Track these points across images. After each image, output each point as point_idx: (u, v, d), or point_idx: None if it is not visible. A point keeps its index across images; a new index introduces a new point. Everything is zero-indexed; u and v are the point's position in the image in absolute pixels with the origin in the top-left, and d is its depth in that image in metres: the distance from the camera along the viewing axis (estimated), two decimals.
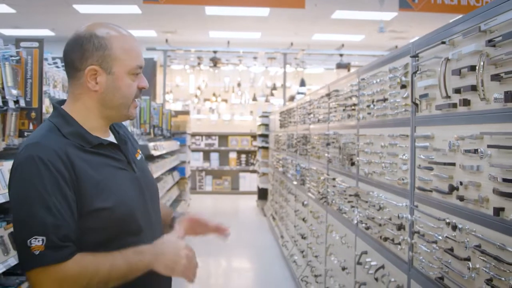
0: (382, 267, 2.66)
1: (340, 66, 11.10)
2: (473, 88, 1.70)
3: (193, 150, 12.89)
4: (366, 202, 2.88)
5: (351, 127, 3.36)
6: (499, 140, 1.58)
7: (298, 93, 11.67)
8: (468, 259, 1.72)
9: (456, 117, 1.88)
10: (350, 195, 3.24)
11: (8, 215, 2.78)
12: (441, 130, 2.01)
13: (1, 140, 2.76)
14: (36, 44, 3.00)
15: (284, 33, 11.16)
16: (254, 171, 12.99)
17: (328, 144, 4.04)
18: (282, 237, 6.96)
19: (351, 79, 3.44)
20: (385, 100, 2.68)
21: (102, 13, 9.48)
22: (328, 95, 4.16)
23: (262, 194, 10.46)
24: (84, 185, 1.51)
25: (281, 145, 7.58)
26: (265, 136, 10.39)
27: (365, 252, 2.94)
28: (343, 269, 3.42)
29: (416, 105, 2.25)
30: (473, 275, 1.68)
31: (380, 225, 2.66)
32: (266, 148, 10.27)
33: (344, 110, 3.53)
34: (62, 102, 1.69)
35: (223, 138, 13.61)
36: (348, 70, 10.71)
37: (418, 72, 2.21)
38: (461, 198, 1.79)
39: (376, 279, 2.69)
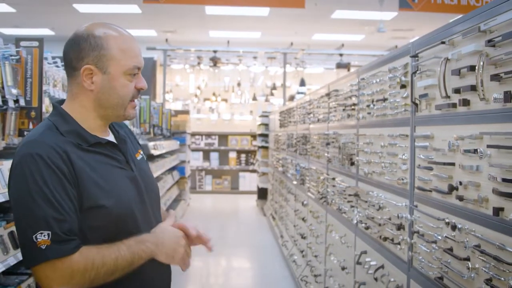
0: (382, 267, 2.66)
1: (340, 66, 11.10)
2: (473, 88, 1.70)
3: (193, 150, 12.89)
4: (366, 202, 2.88)
5: (351, 126, 3.36)
6: (499, 140, 1.58)
7: (298, 92, 11.66)
8: (467, 259, 1.72)
9: (456, 117, 1.88)
10: (350, 195, 3.24)
11: (7, 214, 2.78)
12: (441, 130, 2.01)
13: (1, 139, 2.76)
14: (36, 44, 3.00)
15: (284, 33, 11.16)
16: (254, 171, 12.99)
17: (328, 144, 4.04)
18: (282, 236, 6.96)
19: (351, 79, 3.44)
20: (384, 100, 2.68)
21: (102, 12, 9.48)
22: (328, 94, 4.16)
23: (262, 193, 10.47)
24: (82, 183, 1.52)
25: (281, 144, 7.58)
26: (265, 136, 10.39)
27: (365, 252, 2.95)
28: (343, 269, 3.43)
29: (416, 105, 2.25)
30: (472, 275, 1.68)
31: (379, 225, 2.66)
32: (266, 148, 10.27)
33: (344, 110, 3.53)
34: (62, 101, 1.70)
35: (223, 137, 13.61)
36: (348, 70, 10.71)
37: (417, 72, 2.21)
38: (460, 198, 1.79)
39: (376, 279, 2.69)
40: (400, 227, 2.39)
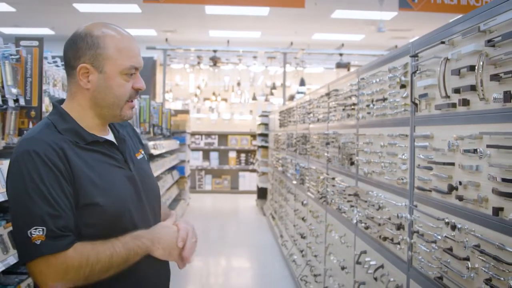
0: (381, 266, 2.66)
1: (339, 65, 11.10)
2: (473, 88, 1.70)
3: (193, 149, 12.89)
4: (366, 201, 2.88)
5: (351, 126, 3.36)
6: (498, 140, 1.58)
7: (298, 92, 11.65)
8: (467, 258, 1.72)
9: (456, 117, 1.88)
10: (350, 195, 3.24)
11: (7, 214, 2.78)
12: (441, 130, 2.01)
13: (1, 138, 2.76)
14: (36, 43, 3.00)
15: (284, 33, 11.16)
16: (253, 170, 12.99)
17: (327, 144, 4.04)
18: (282, 236, 6.96)
19: (351, 79, 3.44)
20: (384, 99, 2.68)
21: (102, 12, 9.48)
22: (327, 94, 4.17)
23: (262, 193, 10.47)
24: (78, 180, 1.53)
25: (281, 144, 7.58)
26: (264, 136, 10.39)
27: (365, 252, 2.95)
28: (342, 268, 3.43)
29: (416, 104, 2.25)
30: (472, 275, 1.68)
31: (379, 224, 2.66)
32: (265, 148, 10.28)
33: (343, 109, 3.53)
34: (62, 101, 1.72)
35: (223, 137, 13.61)
36: (348, 70, 10.71)
37: (417, 72, 2.21)
38: (460, 198, 1.79)
39: (375, 279, 2.69)
40: (399, 227, 2.39)
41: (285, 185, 6.90)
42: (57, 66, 3.83)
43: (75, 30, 1.64)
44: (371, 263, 2.80)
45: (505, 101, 1.53)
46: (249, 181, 13.17)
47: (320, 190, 4.31)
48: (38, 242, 1.43)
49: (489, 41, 1.63)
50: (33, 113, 2.98)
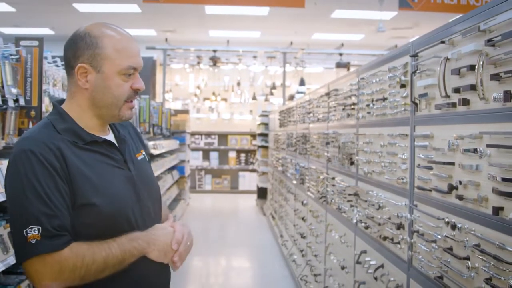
0: (382, 266, 2.66)
1: (339, 65, 11.10)
2: (473, 87, 1.70)
3: (193, 149, 12.89)
4: (366, 201, 2.88)
5: (351, 126, 3.36)
6: (498, 140, 1.58)
7: (298, 92, 11.66)
8: (467, 258, 1.72)
9: (456, 117, 1.88)
10: (350, 194, 3.24)
11: (7, 214, 2.78)
12: (441, 129, 2.01)
13: (1, 138, 2.76)
14: (36, 43, 3.00)
15: (283, 32, 11.16)
16: (253, 170, 12.99)
17: (327, 144, 4.04)
18: (282, 236, 6.96)
19: (351, 79, 3.44)
20: (384, 99, 2.68)
21: (102, 12, 9.48)
22: (327, 94, 4.17)
23: (262, 193, 10.47)
24: (75, 180, 1.53)
25: (281, 144, 7.58)
26: (264, 135, 10.39)
27: (365, 251, 2.95)
28: (343, 268, 3.43)
29: (416, 104, 2.25)
30: (472, 274, 1.68)
31: (379, 224, 2.66)
32: (265, 147, 10.28)
33: (343, 109, 3.53)
34: (62, 101, 1.72)
35: (223, 137, 13.61)
36: (348, 70, 10.71)
37: (417, 71, 2.21)
38: (460, 198, 1.79)
39: (376, 278, 2.69)
40: (399, 226, 2.39)
41: (285, 185, 6.90)
42: (57, 66, 3.83)
43: (76, 30, 1.65)
44: (371, 262, 2.80)
45: (505, 100, 1.53)
46: (249, 181, 13.17)
47: (320, 190, 4.31)
48: (34, 241, 1.43)
49: (489, 40, 1.63)
50: (33, 113, 2.98)
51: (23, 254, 1.46)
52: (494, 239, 1.58)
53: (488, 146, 1.63)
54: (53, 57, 3.85)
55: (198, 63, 12.29)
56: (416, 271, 2.20)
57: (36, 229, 1.44)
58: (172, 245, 1.63)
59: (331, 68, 12.35)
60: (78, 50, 1.60)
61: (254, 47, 11.72)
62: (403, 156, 2.39)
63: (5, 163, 2.54)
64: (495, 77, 1.58)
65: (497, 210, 1.57)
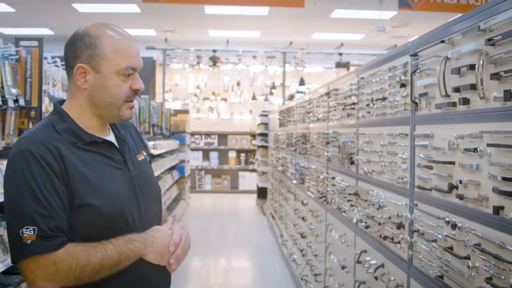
0: (382, 266, 2.66)
1: (339, 65, 11.11)
2: (473, 87, 1.70)
3: (193, 149, 12.89)
4: (366, 201, 2.88)
5: (351, 126, 3.36)
6: (499, 139, 1.58)
7: (298, 92, 11.67)
8: (468, 257, 1.72)
9: (456, 116, 1.88)
10: (350, 194, 3.24)
11: None
12: (441, 129, 2.01)
13: (1, 139, 2.76)
14: (35, 43, 3.00)
15: (283, 32, 11.16)
16: (253, 170, 12.99)
17: (327, 143, 4.04)
18: (282, 236, 6.96)
19: (351, 78, 3.44)
20: (384, 99, 2.68)
21: (101, 12, 9.48)
22: (327, 94, 4.17)
23: (262, 193, 10.47)
24: (74, 180, 1.53)
25: (281, 144, 7.58)
26: (264, 135, 10.39)
27: (365, 251, 2.95)
28: (343, 268, 3.43)
29: (416, 104, 2.25)
30: (472, 274, 1.68)
31: (379, 224, 2.66)
32: (265, 147, 10.28)
33: (343, 109, 3.53)
34: (63, 101, 1.72)
35: (223, 137, 13.61)
36: (348, 69, 10.71)
37: (417, 71, 2.21)
38: (460, 197, 1.79)
39: (376, 278, 2.69)
40: (400, 226, 2.39)
41: (285, 184, 6.90)
42: (57, 66, 3.83)
43: (76, 30, 1.65)
44: (372, 262, 2.80)
45: (505, 99, 1.53)
46: (249, 180, 13.17)
47: (320, 190, 4.31)
48: (29, 241, 1.43)
49: (489, 40, 1.63)
50: (33, 113, 2.98)
51: (18, 254, 1.46)
52: (494, 238, 1.58)
53: (488, 145, 1.63)
54: (52, 57, 3.85)
55: (198, 63, 12.29)
56: (416, 271, 2.20)
57: (32, 229, 1.44)
58: (169, 247, 1.63)
59: (331, 67, 12.35)
60: (77, 50, 1.60)
61: (254, 47, 11.72)
62: (403, 155, 2.39)
63: (5, 163, 2.53)
64: (495, 76, 1.58)
65: (498, 209, 1.57)
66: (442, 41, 1.95)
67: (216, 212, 10.75)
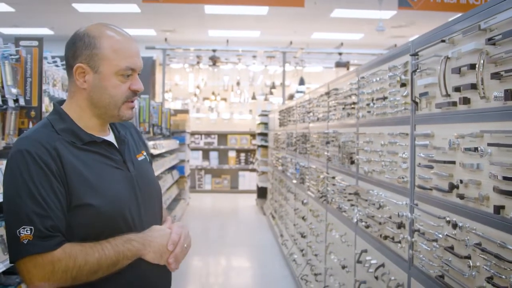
0: (382, 265, 2.66)
1: (339, 64, 11.10)
2: (473, 86, 1.70)
3: (193, 149, 12.89)
4: (366, 200, 2.88)
5: (351, 125, 3.36)
6: (499, 138, 1.58)
7: (297, 91, 11.67)
8: (468, 257, 1.72)
9: (456, 116, 1.88)
10: (350, 194, 3.24)
11: None
12: (441, 128, 2.01)
13: (1, 139, 2.76)
14: (35, 43, 3.00)
15: (283, 32, 11.16)
16: (253, 170, 12.99)
17: (327, 143, 4.04)
18: (282, 235, 6.96)
19: (351, 78, 3.44)
20: (384, 98, 2.68)
21: (101, 12, 9.47)
22: (327, 93, 4.17)
23: (262, 192, 10.47)
24: (72, 180, 1.53)
25: (281, 143, 7.58)
26: (264, 135, 10.39)
27: (365, 251, 2.95)
28: (343, 267, 3.43)
29: (416, 103, 2.25)
30: (473, 273, 1.68)
31: (380, 223, 2.66)
32: (265, 147, 10.28)
33: (343, 108, 3.53)
34: (63, 101, 1.72)
35: (222, 137, 13.61)
36: (347, 69, 10.71)
37: (417, 70, 2.21)
38: (461, 196, 1.79)
39: (376, 278, 2.69)
40: (400, 225, 2.39)
41: (285, 184, 6.90)
42: (57, 66, 3.83)
43: (77, 30, 1.65)
44: (372, 262, 2.80)
45: (506, 99, 1.53)
46: (249, 180, 13.17)
47: (320, 189, 4.31)
48: (26, 241, 1.44)
49: (489, 39, 1.63)
50: (33, 113, 2.98)
51: (16, 254, 1.47)
52: (495, 237, 1.58)
53: (489, 144, 1.63)
54: (52, 57, 3.85)
55: (198, 62, 12.28)
56: (417, 270, 2.20)
57: (29, 229, 1.44)
58: (168, 246, 1.62)
59: (331, 67, 12.33)
60: (77, 50, 1.60)
61: (254, 47, 11.71)
62: (404, 155, 2.39)
63: (4, 163, 2.53)
64: (495, 75, 1.58)
65: (498, 208, 1.57)
66: (443, 41, 1.95)
67: (216, 212, 10.75)
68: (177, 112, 11.06)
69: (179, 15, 9.74)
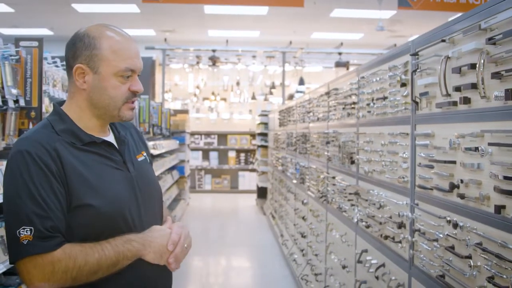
0: (383, 265, 2.66)
1: (339, 64, 11.10)
2: (474, 86, 1.70)
3: (192, 149, 12.89)
4: (366, 200, 2.88)
5: (351, 125, 3.36)
6: (500, 138, 1.58)
7: (297, 91, 11.66)
8: (469, 257, 1.72)
9: (457, 115, 1.88)
10: (350, 194, 3.24)
11: None
12: (442, 128, 2.01)
13: (1, 139, 2.76)
14: (35, 44, 2.99)
15: (283, 32, 11.16)
16: (253, 170, 12.99)
17: (327, 143, 4.04)
18: (282, 235, 6.96)
19: (351, 78, 3.44)
20: (385, 98, 2.68)
21: (101, 12, 9.47)
22: (327, 93, 4.16)
23: (262, 192, 10.47)
24: (72, 181, 1.53)
25: (281, 143, 7.58)
26: (264, 135, 10.39)
27: (366, 251, 2.95)
28: (344, 267, 3.43)
29: (416, 103, 2.25)
30: (474, 273, 1.68)
31: (380, 223, 2.66)
32: (265, 147, 10.28)
33: (343, 108, 3.53)
34: (63, 102, 1.72)
35: (222, 137, 13.61)
36: (347, 69, 10.71)
37: (418, 70, 2.21)
38: (462, 196, 1.79)
39: (377, 278, 2.69)
40: (401, 225, 2.39)
41: (285, 184, 6.90)
42: (57, 66, 3.82)
43: (77, 30, 1.65)
44: (372, 262, 2.80)
45: (506, 99, 1.53)
46: (248, 180, 13.17)
47: (320, 189, 4.31)
48: (26, 242, 1.44)
49: (490, 39, 1.63)
50: (33, 113, 2.98)
51: (16, 254, 1.47)
52: (496, 237, 1.58)
53: (489, 144, 1.63)
54: (52, 57, 3.85)
55: (198, 63, 12.28)
56: (417, 270, 2.20)
57: (29, 229, 1.44)
58: (167, 246, 1.62)
59: (331, 67, 12.34)
60: (76, 50, 1.60)
61: (253, 47, 11.71)
62: (404, 155, 2.39)
63: (5, 163, 2.53)
64: (496, 75, 1.58)
65: (499, 208, 1.57)
66: (443, 40, 1.95)
67: (216, 212, 10.75)
68: (177, 112, 11.06)
69: (178, 15, 9.74)
